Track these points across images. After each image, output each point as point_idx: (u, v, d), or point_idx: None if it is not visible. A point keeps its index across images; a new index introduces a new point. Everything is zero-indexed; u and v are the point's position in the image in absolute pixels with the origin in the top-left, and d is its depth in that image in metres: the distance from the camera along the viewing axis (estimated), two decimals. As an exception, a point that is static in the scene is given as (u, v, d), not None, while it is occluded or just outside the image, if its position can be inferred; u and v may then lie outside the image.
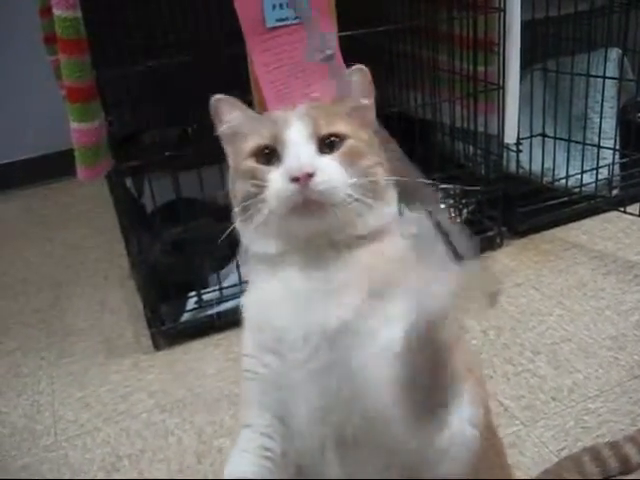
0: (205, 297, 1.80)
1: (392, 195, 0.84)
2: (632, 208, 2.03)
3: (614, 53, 2.20)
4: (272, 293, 0.80)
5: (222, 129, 0.87)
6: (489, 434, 0.90)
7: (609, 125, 2.19)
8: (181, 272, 1.81)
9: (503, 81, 1.90)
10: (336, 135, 0.80)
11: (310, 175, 0.74)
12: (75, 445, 1.48)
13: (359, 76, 0.87)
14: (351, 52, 1.62)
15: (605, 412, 1.41)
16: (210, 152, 1.62)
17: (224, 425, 1.48)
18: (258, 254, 0.82)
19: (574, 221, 2.20)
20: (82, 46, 1.46)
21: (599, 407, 1.42)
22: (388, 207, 0.83)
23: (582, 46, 2.17)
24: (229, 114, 0.87)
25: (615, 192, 2.22)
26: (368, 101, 0.88)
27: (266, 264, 0.82)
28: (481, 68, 1.95)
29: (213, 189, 1.71)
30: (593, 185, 2.18)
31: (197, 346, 1.78)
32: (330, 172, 0.76)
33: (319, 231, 0.78)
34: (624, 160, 2.24)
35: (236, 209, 0.82)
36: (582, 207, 2.19)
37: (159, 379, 1.66)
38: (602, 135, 2.16)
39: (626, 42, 2.31)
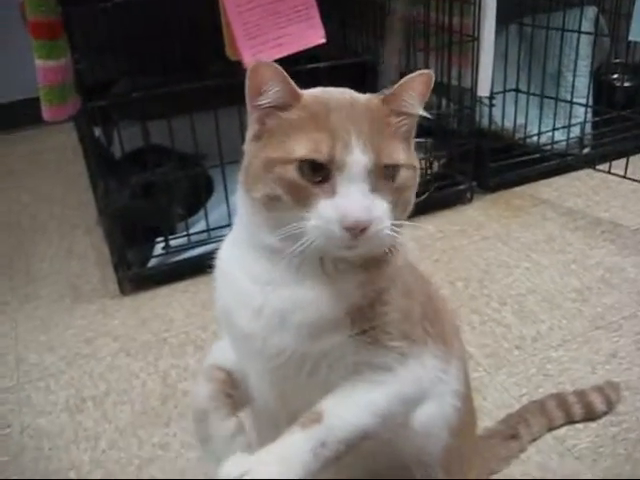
0: (172, 243, 1.78)
1: None
2: (602, 166, 2.04)
3: (590, 11, 2.19)
4: (248, 273, 0.77)
5: (262, 102, 0.72)
6: (468, 402, 0.93)
7: (582, 83, 2.19)
8: (149, 217, 1.79)
9: (478, 33, 1.88)
10: (393, 165, 0.72)
11: (364, 228, 0.68)
12: (38, 387, 1.47)
13: (419, 82, 0.74)
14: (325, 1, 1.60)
15: (567, 361, 1.43)
16: (181, 100, 1.62)
17: (189, 369, 1.48)
18: (256, 237, 0.76)
19: (545, 178, 2.21)
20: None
21: (561, 355, 1.44)
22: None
23: (559, 4, 2.17)
24: (273, 88, 0.71)
25: (586, 150, 2.24)
26: (419, 111, 0.76)
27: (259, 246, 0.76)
28: (456, 19, 1.93)
29: (183, 138, 1.70)
30: (564, 143, 2.19)
31: (164, 292, 1.76)
32: (383, 221, 0.69)
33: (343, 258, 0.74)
34: (596, 119, 2.25)
35: (242, 179, 0.75)
36: (553, 164, 2.20)
37: (125, 324, 1.65)
38: (575, 93, 2.16)
39: (603, 2, 2.31)
